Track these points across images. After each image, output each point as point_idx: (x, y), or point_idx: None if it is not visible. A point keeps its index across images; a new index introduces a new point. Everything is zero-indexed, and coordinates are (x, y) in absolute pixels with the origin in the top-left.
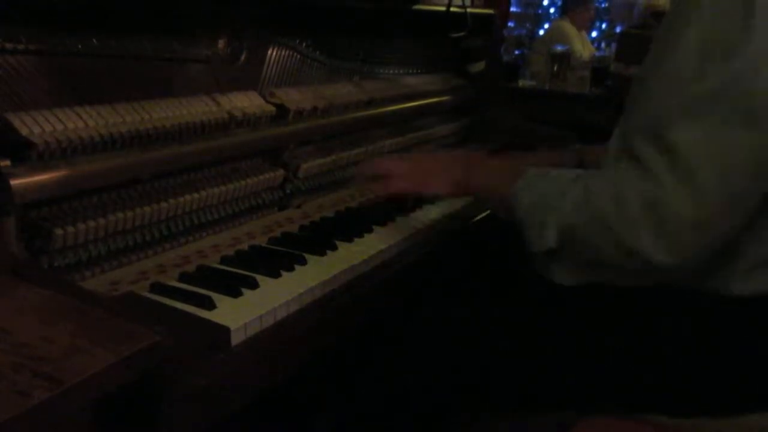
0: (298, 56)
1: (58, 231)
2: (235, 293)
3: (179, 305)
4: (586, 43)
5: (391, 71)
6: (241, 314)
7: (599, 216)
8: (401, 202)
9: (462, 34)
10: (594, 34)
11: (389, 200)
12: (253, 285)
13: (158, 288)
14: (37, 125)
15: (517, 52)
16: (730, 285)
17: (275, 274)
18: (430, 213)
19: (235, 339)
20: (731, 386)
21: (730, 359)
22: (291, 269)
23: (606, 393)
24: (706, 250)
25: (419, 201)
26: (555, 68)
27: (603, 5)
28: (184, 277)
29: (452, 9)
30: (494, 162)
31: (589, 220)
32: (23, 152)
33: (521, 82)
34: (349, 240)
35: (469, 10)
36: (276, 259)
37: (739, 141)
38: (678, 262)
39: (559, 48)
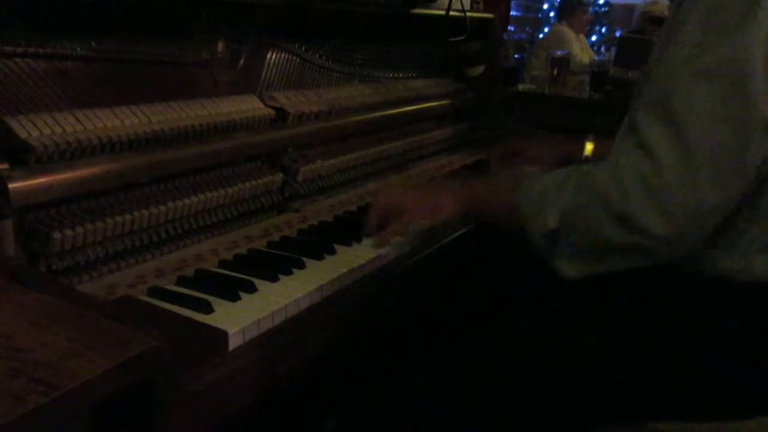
0: (298, 60)
1: (56, 234)
2: (233, 297)
3: (177, 309)
4: (585, 47)
5: (391, 75)
6: (239, 318)
7: (597, 192)
8: None
9: (461, 38)
10: (593, 38)
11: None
12: (251, 289)
13: (156, 292)
14: (36, 128)
15: (516, 56)
16: (749, 264)
17: (273, 278)
18: None
19: (233, 343)
20: (746, 389)
21: (745, 361)
22: (289, 273)
23: (613, 404)
24: (703, 223)
25: None
26: (554, 72)
27: (603, 9)
28: (181, 281)
29: (451, 13)
30: (493, 177)
31: (588, 198)
32: (21, 155)
33: (521, 86)
34: (348, 244)
35: (468, 14)
36: (274, 263)
37: (731, 113)
38: (673, 231)
39: (558, 52)
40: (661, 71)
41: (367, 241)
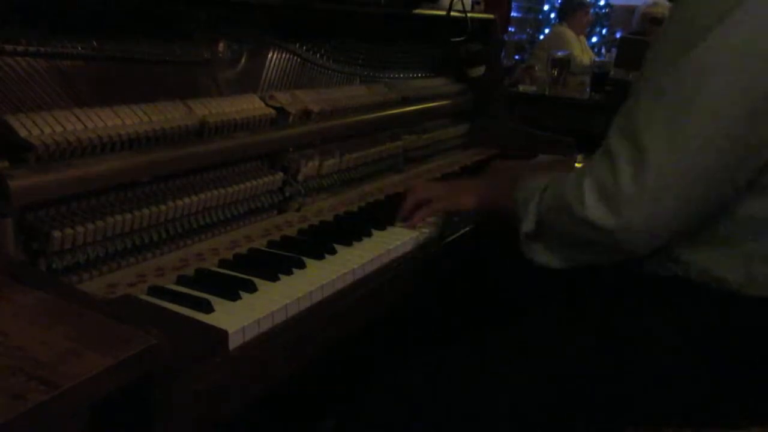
0: (298, 60)
1: (56, 233)
2: (234, 297)
3: (177, 308)
4: (585, 48)
5: (391, 75)
6: (239, 318)
7: (563, 199)
8: None
9: (462, 38)
10: (594, 39)
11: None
12: (252, 288)
13: (156, 291)
14: (37, 127)
15: (517, 57)
16: (750, 278)
17: (274, 278)
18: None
19: (233, 343)
20: (749, 395)
21: (747, 367)
22: (290, 273)
23: (613, 405)
24: (656, 224)
25: None
26: (555, 73)
27: (603, 11)
28: (182, 280)
29: (452, 13)
30: (506, 177)
31: (557, 204)
32: (22, 154)
33: (521, 87)
34: (349, 244)
35: (469, 14)
36: (275, 262)
37: (691, 129)
38: (622, 227)
39: (559, 53)
40: (634, 94)
41: (368, 241)
